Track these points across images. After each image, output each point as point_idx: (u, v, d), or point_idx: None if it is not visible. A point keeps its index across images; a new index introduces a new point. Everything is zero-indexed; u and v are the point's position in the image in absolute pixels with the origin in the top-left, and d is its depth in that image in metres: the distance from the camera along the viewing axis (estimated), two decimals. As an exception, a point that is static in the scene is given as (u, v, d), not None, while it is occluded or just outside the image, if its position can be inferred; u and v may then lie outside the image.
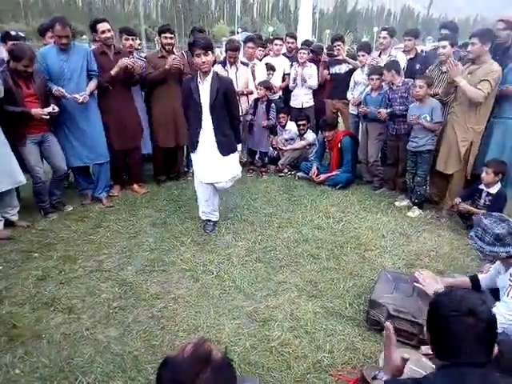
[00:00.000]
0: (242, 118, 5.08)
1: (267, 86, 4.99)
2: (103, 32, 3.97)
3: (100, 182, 4.29)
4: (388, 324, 1.43)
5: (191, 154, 3.66)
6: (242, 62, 5.15)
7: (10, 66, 3.46)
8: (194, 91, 3.29)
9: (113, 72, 3.97)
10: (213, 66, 3.52)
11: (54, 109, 3.60)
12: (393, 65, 4.29)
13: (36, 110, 3.50)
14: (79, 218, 3.94)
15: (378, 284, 2.61)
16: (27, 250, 3.32)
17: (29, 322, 2.48)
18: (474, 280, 2.41)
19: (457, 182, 3.99)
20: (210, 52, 3.12)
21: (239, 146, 3.68)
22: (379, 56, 5.03)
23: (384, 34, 4.94)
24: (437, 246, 3.53)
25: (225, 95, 3.29)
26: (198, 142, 3.44)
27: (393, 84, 4.29)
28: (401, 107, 4.22)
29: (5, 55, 3.86)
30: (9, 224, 3.66)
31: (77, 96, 3.71)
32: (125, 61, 3.95)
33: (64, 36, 3.66)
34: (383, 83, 4.51)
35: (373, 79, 4.50)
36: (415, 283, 2.42)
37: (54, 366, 2.16)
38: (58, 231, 3.66)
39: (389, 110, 4.30)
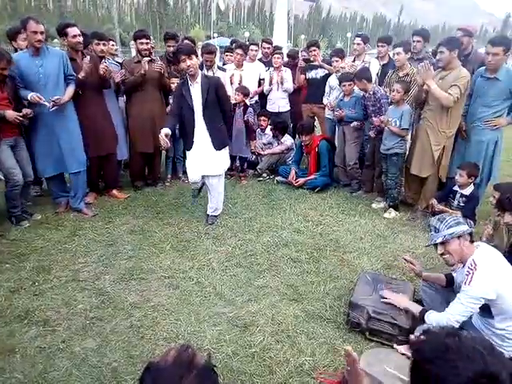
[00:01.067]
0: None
1: (245, 91, 5.01)
2: (74, 36, 3.84)
3: (78, 191, 4.10)
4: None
5: (186, 152, 3.88)
6: (219, 67, 5.14)
7: None
8: (186, 94, 3.56)
9: (80, 76, 3.84)
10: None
11: (28, 112, 3.52)
12: (363, 73, 4.36)
13: (10, 113, 3.39)
14: (53, 227, 3.82)
15: (357, 286, 2.65)
16: (-2, 261, 3.19)
17: (1, 336, 2.38)
18: (450, 278, 2.48)
19: (431, 185, 4.11)
20: (193, 56, 3.42)
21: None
22: (353, 61, 5.14)
23: (358, 40, 5.06)
24: (413, 246, 3.61)
25: (216, 92, 3.56)
26: (193, 141, 3.71)
27: (366, 91, 4.37)
28: (373, 115, 4.31)
29: None
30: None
31: (50, 99, 3.56)
32: (85, 61, 3.85)
33: (39, 32, 3.48)
34: (355, 88, 4.60)
35: (345, 85, 4.58)
36: (382, 299, 2.47)
37: (29, 381, 2.08)
38: (31, 241, 3.54)
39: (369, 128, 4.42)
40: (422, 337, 0.97)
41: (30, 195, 4.29)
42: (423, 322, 2.23)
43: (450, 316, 2.08)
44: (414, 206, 4.34)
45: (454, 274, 2.49)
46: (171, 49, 4.79)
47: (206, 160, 3.72)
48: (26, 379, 2.09)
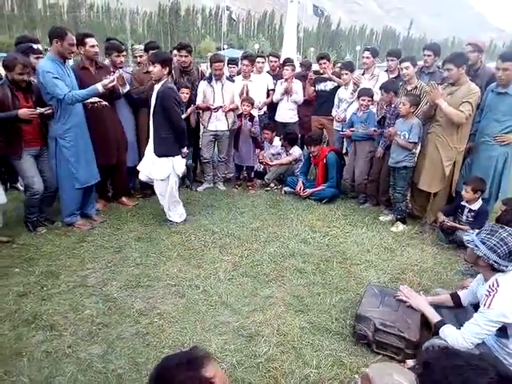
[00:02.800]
0: (227, 133, 5.13)
1: (252, 102, 5.06)
2: (92, 46, 3.95)
3: (90, 198, 4.16)
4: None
5: None
6: (228, 78, 5.21)
7: (8, 78, 3.39)
8: (150, 97, 3.87)
9: (100, 90, 3.87)
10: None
11: (47, 110, 3.55)
12: (391, 85, 4.33)
13: (23, 111, 3.37)
14: (62, 233, 3.86)
15: (364, 298, 2.63)
16: (8, 266, 3.23)
17: (8, 340, 2.40)
18: (455, 297, 2.45)
19: (440, 199, 4.10)
20: (157, 64, 3.63)
21: (185, 150, 4.01)
22: (362, 75, 5.17)
23: (367, 53, 5.09)
24: (421, 260, 3.58)
25: (161, 103, 3.70)
26: (149, 136, 4.00)
27: (391, 104, 4.32)
28: (387, 127, 4.29)
29: None
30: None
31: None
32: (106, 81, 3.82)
33: (75, 44, 3.65)
34: (371, 104, 4.60)
35: (364, 100, 4.56)
36: (398, 295, 2.44)
37: (35, 385, 2.09)
38: (40, 246, 3.58)
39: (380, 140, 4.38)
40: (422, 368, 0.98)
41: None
42: (436, 333, 2.19)
43: (466, 337, 2.02)
44: (422, 219, 4.32)
45: (461, 292, 2.46)
46: (183, 59, 4.87)
47: (150, 161, 3.94)
48: (32, 383, 2.10)
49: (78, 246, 3.62)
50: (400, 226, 4.22)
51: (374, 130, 4.47)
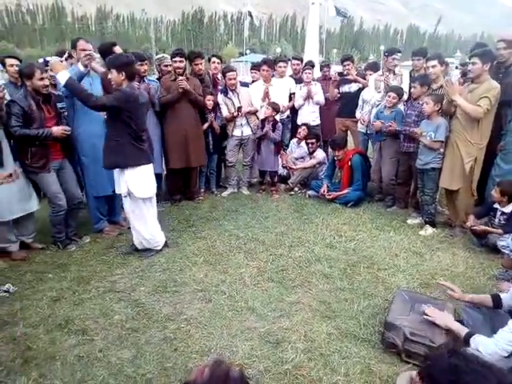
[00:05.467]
0: (252, 136, 5.15)
1: (275, 107, 5.05)
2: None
3: (117, 205, 4.25)
4: None
5: None
6: (242, 83, 5.22)
7: (28, 89, 3.39)
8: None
9: None
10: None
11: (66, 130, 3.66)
12: (426, 80, 4.20)
13: (57, 129, 3.46)
14: (92, 239, 3.98)
15: (393, 304, 2.56)
16: (42, 271, 3.35)
17: (43, 344, 2.49)
18: (497, 298, 2.35)
19: (463, 198, 3.96)
20: (112, 69, 3.30)
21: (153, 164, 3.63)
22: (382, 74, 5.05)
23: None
24: (452, 265, 3.47)
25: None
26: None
27: (417, 99, 4.20)
28: (412, 125, 4.19)
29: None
30: (24, 246, 3.71)
31: None
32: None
33: (86, 49, 3.75)
34: (399, 102, 4.51)
35: (389, 96, 4.45)
36: (425, 316, 2.38)
37: (68, 389, 2.15)
38: (72, 252, 3.70)
39: (398, 128, 4.29)
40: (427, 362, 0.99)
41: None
42: (467, 345, 2.12)
43: (498, 344, 1.95)
44: (452, 221, 4.19)
45: (503, 295, 2.36)
46: (199, 67, 4.92)
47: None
48: (65, 386, 2.17)
49: (107, 251, 3.72)
50: (429, 230, 4.11)
51: (396, 130, 4.34)
